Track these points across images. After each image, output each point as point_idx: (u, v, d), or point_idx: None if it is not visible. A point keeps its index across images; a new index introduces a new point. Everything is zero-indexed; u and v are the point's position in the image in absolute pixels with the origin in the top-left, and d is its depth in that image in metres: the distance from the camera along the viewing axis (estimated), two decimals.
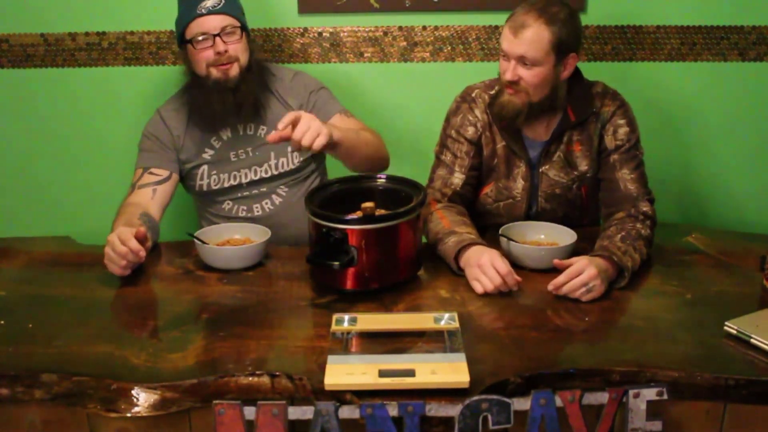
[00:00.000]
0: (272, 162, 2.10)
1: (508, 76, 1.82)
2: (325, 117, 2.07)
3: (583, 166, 1.93)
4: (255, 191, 2.11)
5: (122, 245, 1.67)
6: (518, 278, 1.64)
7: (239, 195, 2.11)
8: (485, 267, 1.64)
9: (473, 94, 1.98)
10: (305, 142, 1.69)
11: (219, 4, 1.98)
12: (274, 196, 2.12)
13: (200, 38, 1.97)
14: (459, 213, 1.89)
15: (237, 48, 2.00)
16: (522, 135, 1.93)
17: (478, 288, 1.64)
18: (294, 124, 1.71)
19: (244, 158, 2.09)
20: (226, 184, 2.09)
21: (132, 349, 1.44)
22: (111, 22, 2.39)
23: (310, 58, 2.43)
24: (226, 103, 2.01)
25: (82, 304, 1.64)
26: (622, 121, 1.90)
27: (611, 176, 1.90)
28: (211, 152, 2.08)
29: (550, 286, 1.61)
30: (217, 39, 1.97)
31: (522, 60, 1.79)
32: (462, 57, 2.43)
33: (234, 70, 2.00)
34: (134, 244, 1.67)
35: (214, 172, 2.09)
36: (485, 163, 1.98)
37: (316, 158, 2.17)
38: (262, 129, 2.09)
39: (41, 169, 2.55)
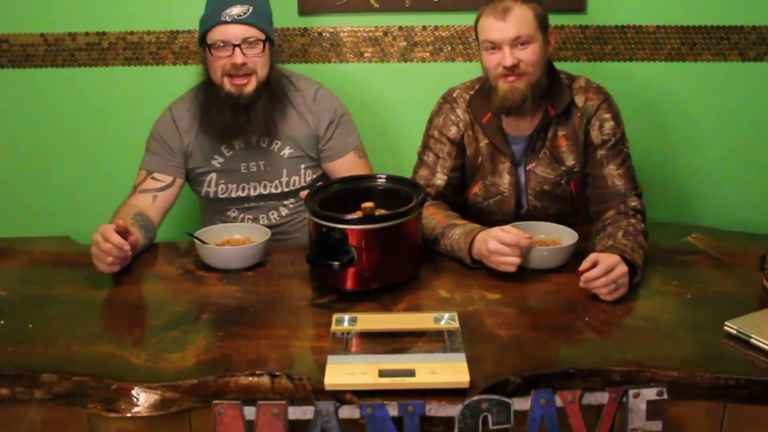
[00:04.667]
0: (284, 179, 2.07)
1: (508, 62, 1.80)
2: (339, 154, 2.07)
3: (570, 160, 1.93)
4: (262, 203, 2.09)
5: (105, 242, 1.66)
6: (526, 236, 1.67)
7: (246, 205, 2.09)
8: (499, 249, 1.65)
9: (454, 94, 1.99)
10: None
11: (245, 14, 1.91)
12: (281, 208, 2.10)
13: (220, 45, 1.91)
14: (447, 209, 1.91)
15: (257, 62, 1.93)
16: (504, 132, 1.94)
17: (511, 269, 1.67)
18: None
19: (255, 171, 2.05)
20: (233, 195, 2.07)
21: (132, 349, 1.44)
22: (111, 22, 2.39)
23: (310, 58, 2.43)
24: (238, 118, 1.96)
25: (82, 304, 1.64)
26: (607, 115, 1.91)
27: (598, 172, 1.90)
28: (221, 160, 2.05)
29: (583, 279, 1.59)
30: (237, 49, 1.90)
31: (516, 42, 1.80)
32: (462, 57, 2.43)
33: (250, 86, 1.94)
34: (117, 239, 1.67)
35: (223, 181, 2.06)
36: (470, 162, 1.98)
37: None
38: (276, 144, 2.05)
39: (41, 169, 2.55)
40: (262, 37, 1.94)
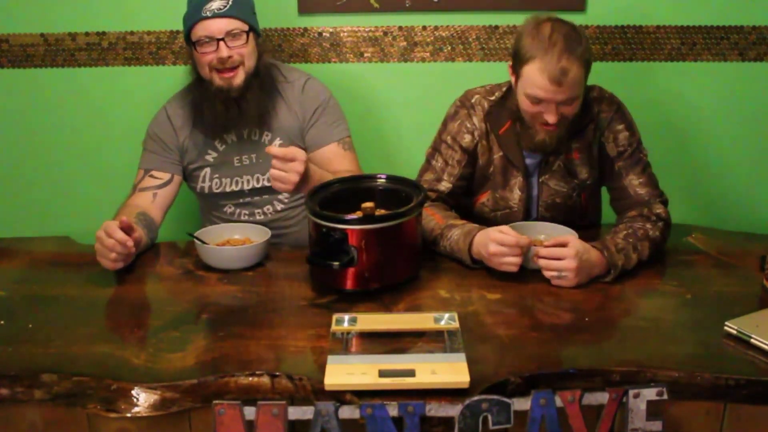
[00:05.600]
0: None
1: (552, 120, 1.75)
2: (320, 143, 2.05)
3: (583, 173, 1.92)
4: (257, 198, 2.09)
5: (109, 238, 1.67)
6: (523, 239, 1.67)
7: (241, 200, 2.09)
8: (500, 251, 1.66)
9: (473, 100, 1.94)
10: (275, 186, 1.78)
11: (225, 7, 1.91)
12: (275, 202, 2.10)
13: (204, 41, 1.92)
14: (445, 209, 1.90)
15: (243, 53, 1.94)
16: (520, 145, 1.90)
17: (513, 269, 1.67)
18: (287, 158, 1.72)
19: (247, 164, 2.06)
20: (227, 189, 2.07)
21: (132, 349, 1.44)
22: (111, 22, 2.39)
23: (310, 58, 2.43)
24: (230, 111, 1.97)
25: (82, 304, 1.64)
26: (620, 126, 1.88)
27: (619, 184, 1.89)
28: (214, 155, 2.06)
29: (534, 251, 1.67)
30: (221, 43, 1.91)
31: (563, 101, 1.74)
32: (462, 57, 2.43)
33: (238, 78, 1.95)
34: (120, 235, 1.67)
35: (216, 175, 2.07)
36: (480, 171, 1.95)
37: None
38: (267, 135, 2.05)
39: (41, 169, 2.55)
40: (245, 28, 1.95)
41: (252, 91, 1.98)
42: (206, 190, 2.08)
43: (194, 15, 1.94)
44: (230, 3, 1.93)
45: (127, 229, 1.71)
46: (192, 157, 2.06)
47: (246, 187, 2.07)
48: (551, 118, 1.75)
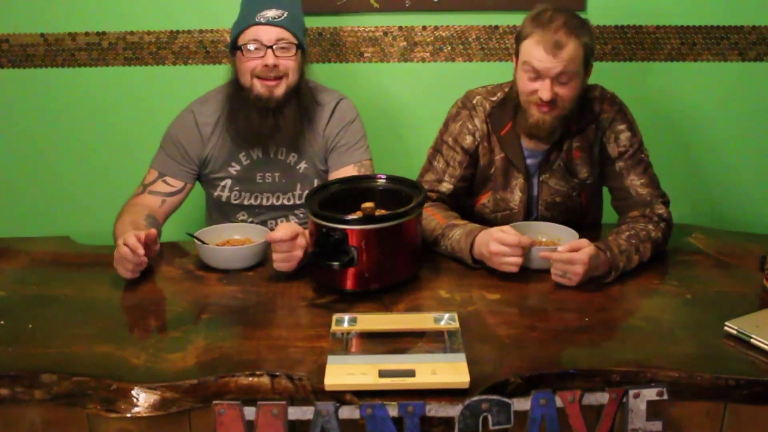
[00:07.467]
0: (297, 192, 2.05)
1: (545, 96, 1.75)
2: (338, 164, 2.02)
3: (583, 173, 1.92)
4: (272, 212, 2.08)
5: (134, 254, 1.65)
6: (525, 239, 1.66)
7: (256, 212, 2.08)
8: (501, 251, 1.65)
9: (474, 101, 1.94)
10: (280, 268, 1.71)
11: (280, 17, 1.89)
12: (291, 217, 2.09)
13: (251, 47, 1.89)
14: (446, 209, 1.90)
15: (288, 65, 1.91)
16: (522, 146, 1.91)
17: (513, 269, 1.67)
18: (290, 238, 1.67)
19: (270, 182, 2.04)
20: (245, 202, 2.06)
21: (132, 349, 1.44)
22: (111, 22, 2.39)
23: (310, 58, 2.42)
24: (265, 122, 1.93)
25: (82, 304, 1.64)
26: (622, 127, 1.88)
27: (620, 185, 1.89)
28: (237, 167, 2.03)
29: (547, 253, 1.65)
30: (269, 51, 1.88)
31: (559, 78, 1.75)
32: (462, 57, 2.43)
33: (280, 89, 1.92)
34: (141, 251, 1.66)
35: (237, 188, 2.05)
36: (481, 172, 1.95)
37: None
38: (293, 156, 2.03)
39: (41, 169, 2.55)
40: (295, 41, 1.93)
41: (290, 107, 1.95)
42: (223, 199, 2.07)
43: (247, 19, 1.91)
44: (286, 14, 1.91)
45: (151, 243, 1.71)
46: (214, 168, 2.04)
47: (265, 203, 2.06)
48: (545, 95, 1.75)
